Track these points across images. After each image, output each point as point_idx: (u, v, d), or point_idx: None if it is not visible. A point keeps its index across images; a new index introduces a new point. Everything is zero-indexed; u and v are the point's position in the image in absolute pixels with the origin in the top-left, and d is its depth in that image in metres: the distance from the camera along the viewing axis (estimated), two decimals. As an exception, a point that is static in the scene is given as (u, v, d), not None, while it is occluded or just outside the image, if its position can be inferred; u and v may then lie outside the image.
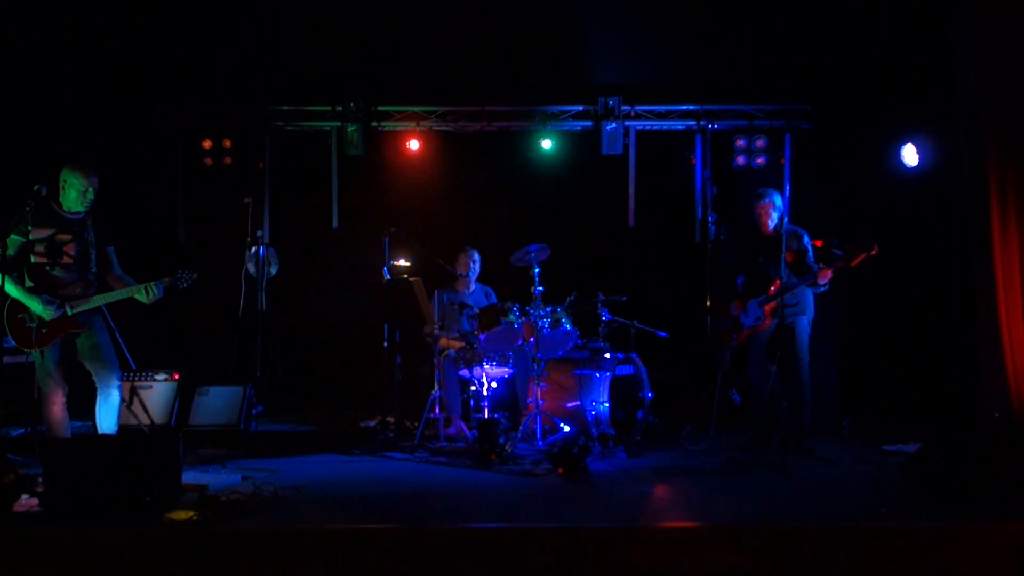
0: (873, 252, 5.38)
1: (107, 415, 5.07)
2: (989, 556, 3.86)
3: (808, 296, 5.84)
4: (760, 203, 5.87)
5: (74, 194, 4.96)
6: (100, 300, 5.01)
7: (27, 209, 4.77)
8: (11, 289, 4.82)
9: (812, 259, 5.75)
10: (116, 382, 5.09)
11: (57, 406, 4.98)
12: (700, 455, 5.76)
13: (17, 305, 4.85)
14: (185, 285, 5.10)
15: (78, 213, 5.02)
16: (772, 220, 5.75)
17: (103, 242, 5.11)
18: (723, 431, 6.29)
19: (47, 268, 4.90)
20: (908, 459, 4.69)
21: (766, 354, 5.85)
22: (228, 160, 8.26)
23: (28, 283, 4.89)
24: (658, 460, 5.59)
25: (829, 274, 5.58)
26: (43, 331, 4.86)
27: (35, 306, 4.83)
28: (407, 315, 6.25)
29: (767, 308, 5.74)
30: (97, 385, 5.07)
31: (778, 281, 5.53)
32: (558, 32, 7.93)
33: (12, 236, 4.84)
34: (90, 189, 4.99)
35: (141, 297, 5.01)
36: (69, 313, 4.91)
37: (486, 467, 5.35)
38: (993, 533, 3.90)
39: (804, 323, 5.83)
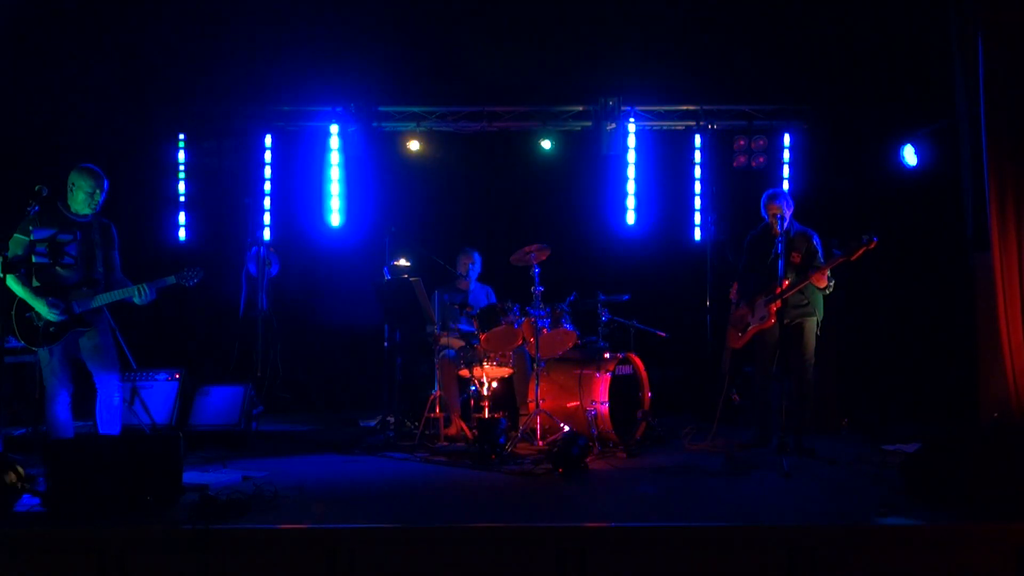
0: (872, 246, 5.38)
1: (109, 417, 5.09)
2: (989, 556, 3.86)
3: (818, 297, 5.81)
4: (771, 203, 5.85)
5: (82, 196, 5.01)
6: (106, 299, 5.04)
7: (28, 209, 4.79)
8: (18, 289, 4.87)
9: (823, 259, 5.74)
10: (117, 383, 5.12)
11: (61, 405, 5.01)
12: (700, 455, 5.76)
13: (25, 304, 4.90)
14: (192, 283, 5.13)
15: (85, 216, 5.06)
16: (782, 220, 5.71)
17: (108, 246, 5.16)
18: (723, 431, 6.29)
19: (52, 268, 4.93)
20: (908, 459, 4.68)
21: (771, 354, 5.84)
22: (228, 160, 8.27)
23: (35, 283, 4.92)
24: (658, 460, 5.59)
25: (823, 280, 5.58)
26: (50, 329, 4.91)
27: (41, 308, 4.87)
28: (407, 315, 6.25)
29: (772, 307, 5.73)
30: (97, 386, 5.09)
31: (786, 281, 5.54)
32: (558, 32, 7.94)
33: (17, 235, 4.88)
34: (98, 191, 5.04)
35: (135, 299, 5.04)
36: (76, 312, 4.94)
37: (486, 467, 5.35)
38: (993, 533, 3.90)
39: (812, 324, 5.81)
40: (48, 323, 4.89)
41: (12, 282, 4.85)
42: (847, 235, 5.50)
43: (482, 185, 8.51)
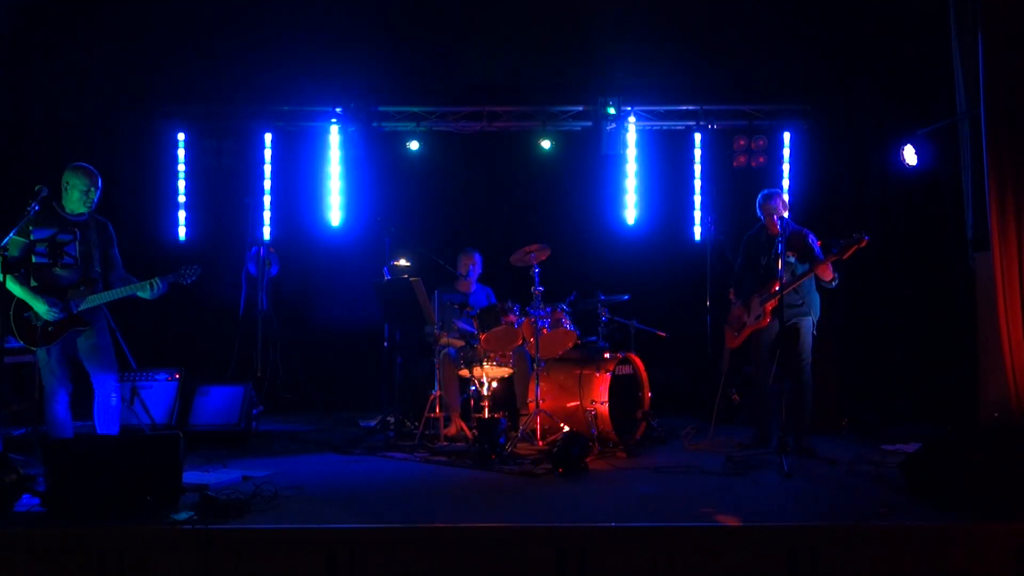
0: (863, 244, 5.40)
1: (107, 418, 5.11)
2: (989, 556, 3.87)
3: (814, 297, 5.83)
4: (767, 203, 5.86)
5: (77, 195, 5.01)
6: (105, 297, 5.05)
7: (28, 209, 4.79)
8: (16, 289, 4.87)
9: (820, 255, 5.74)
10: (114, 384, 5.14)
11: (60, 405, 5.01)
12: (700, 455, 5.76)
13: (23, 304, 4.91)
14: (190, 280, 5.14)
15: (81, 215, 5.08)
16: (778, 220, 5.72)
17: (106, 244, 5.17)
18: (723, 431, 6.29)
19: (51, 268, 4.94)
20: (908, 459, 4.68)
21: (769, 353, 5.85)
22: (228, 160, 8.26)
23: (33, 283, 4.93)
24: (658, 460, 5.59)
25: (828, 269, 5.59)
26: (49, 329, 4.91)
27: (39, 307, 4.88)
28: (407, 315, 6.25)
29: (768, 307, 5.74)
30: (94, 386, 5.10)
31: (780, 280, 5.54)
32: (558, 32, 7.94)
33: (14, 237, 4.88)
34: (92, 189, 5.05)
35: (144, 293, 5.05)
36: (74, 311, 4.96)
37: (486, 467, 5.35)
38: (993, 533, 3.90)
39: (808, 323, 5.82)
40: (46, 323, 4.90)
41: (11, 283, 4.83)
42: (846, 235, 5.50)
43: (482, 185, 8.50)
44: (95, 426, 5.10)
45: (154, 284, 5.02)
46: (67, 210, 5.05)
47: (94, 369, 5.07)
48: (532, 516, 4.22)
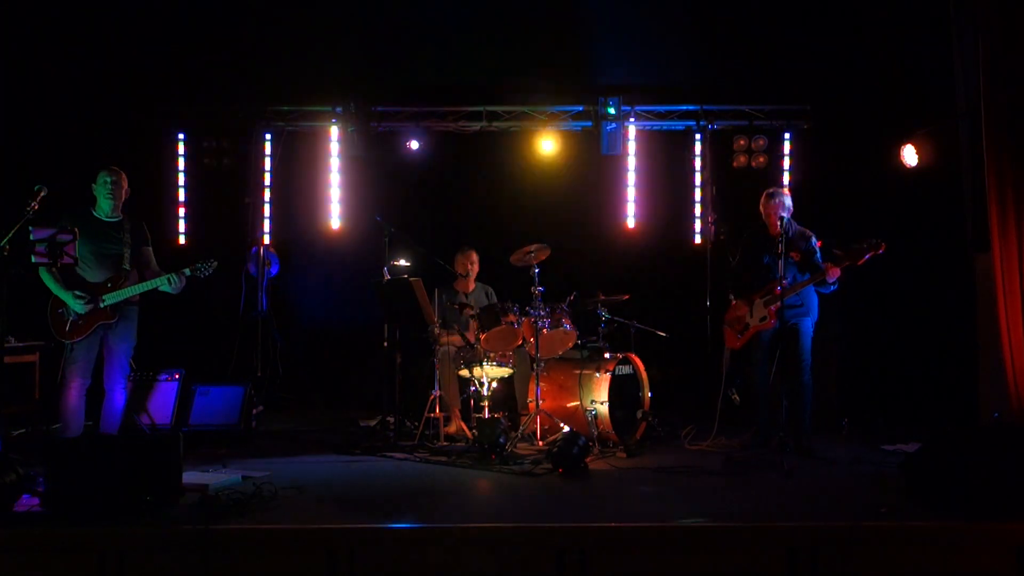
0: (880, 251, 5.38)
1: (114, 417, 5.26)
2: (989, 556, 3.87)
3: (812, 298, 5.83)
4: (770, 203, 5.85)
5: (102, 191, 5.28)
6: (128, 292, 5.20)
7: (28, 209, 4.81)
8: (50, 283, 5.11)
9: (820, 259, 5.74)
10: (121, 384, 5.30)
11: (75, 392, 5.16)
12: (700, 455, 5.77)
13: (58, 300, 5.14)
14: (206, 274, 5.33)
15: (115, 215, 5.31)
16: (781, 220, 5.70)
17: (139, 242, 5.38)
18: (723, 431, 6.29)
19: (71, 268, 5.14)
20: (908, 459, 4.68)
21: (769, 354, 5.85)
22: (228, 160, 8.26)
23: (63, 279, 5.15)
24: (658, 460, 5.59)
25: (838, 272, 5.56)
26: (79, 323, 5.12)
27: (68, 300, 5.09)
28: (407, 315, 6.25)
29: (772, 308, 5.73)
30: (105, 384, 5.27)
31: (784, 281, 5.53)
32: (558, 32, 7.94)
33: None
34: (115, 185, 5.32)
35: (165, 287, 5.24)
36: (101, 305, 5.12)
37: (486, 467, 5.35)
38: (993, 533, 3.90)
39: (808, 324, 5.81)
40: (77, 316, 5.10)
41: (45, 276, 5.10)
42: (847, 236, 5.50)
43: (482, 185, 8.50)
44: (102, 423, 5.24)
45: (172, 279, 5.22)
46: (106, 214, 5.29)
47: (111, 366, 5.25)
48: (532, 516, 4.22)
